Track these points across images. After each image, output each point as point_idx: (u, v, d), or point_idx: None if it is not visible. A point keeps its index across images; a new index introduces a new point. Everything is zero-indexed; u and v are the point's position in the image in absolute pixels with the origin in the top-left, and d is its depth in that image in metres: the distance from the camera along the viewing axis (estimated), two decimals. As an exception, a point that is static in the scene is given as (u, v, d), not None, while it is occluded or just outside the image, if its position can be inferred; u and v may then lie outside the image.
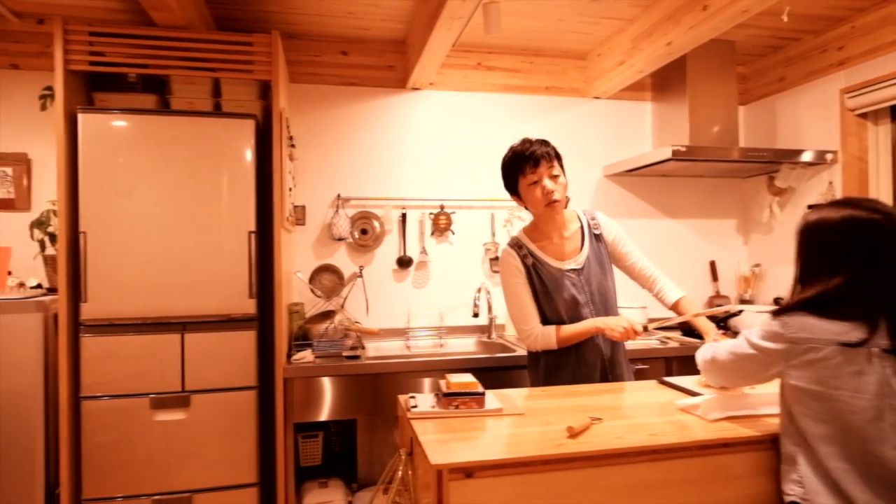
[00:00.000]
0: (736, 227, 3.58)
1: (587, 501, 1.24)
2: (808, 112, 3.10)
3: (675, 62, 2.91)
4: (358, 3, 2.66)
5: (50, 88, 2.48)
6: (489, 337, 3.08)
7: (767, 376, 1.30)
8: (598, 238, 1.98)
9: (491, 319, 3.09)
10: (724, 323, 2.99)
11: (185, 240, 2.33)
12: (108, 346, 2.28)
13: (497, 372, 2.54)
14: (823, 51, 3.00)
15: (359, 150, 3.11)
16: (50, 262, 2.59)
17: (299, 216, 3.02)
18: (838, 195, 2.93)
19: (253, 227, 2.39)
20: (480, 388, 1.54)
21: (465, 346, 3.04)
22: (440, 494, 1.17)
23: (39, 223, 2.60)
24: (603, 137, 3.39)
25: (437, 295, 3.19)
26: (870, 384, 1.13)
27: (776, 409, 1.33)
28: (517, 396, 1.69)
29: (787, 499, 1.23)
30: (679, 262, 3.47)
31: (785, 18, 2.48)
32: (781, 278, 3.30)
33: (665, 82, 3.30)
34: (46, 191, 2.75)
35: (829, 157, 2.94)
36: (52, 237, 2.56)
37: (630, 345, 1.99)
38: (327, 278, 3.00)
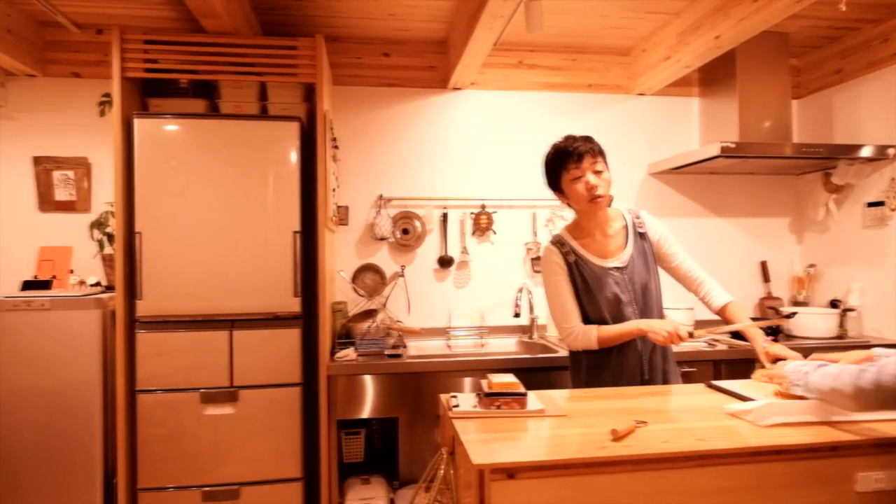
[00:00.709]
0: (789, 225, 3.44)
1: (632, 506, 1.22)
2: (868, 105, 2.96)
3: (723, 56, 2.81)
4: (399, 5, 2.69)
5: (108, 95, 2.60)
6: (530, 337, 3.05)
7: None
8: (642, 237, 1.94)
9: (532, 319, 3.07)
10: (776, 327, 2.88)
11: (233, 239, 2.40)
12: (161, 342, 2.37)
13: (538, 373, 2.52)
14: (885, 40, 2.85)
15: (400, 150, 3.14)
16: (108, 261, 2.72)
17: (342, 216, 3.07)
18: (901, 192, 2.78)
19: (298, 228, 2.45)
20: (522, 389, 1.53)
21: (506, 347, 3.03)
22: (482, 494, 1.17)
23: (98, 224, 2.73)
24: (647, 135, 3.32)
25: (477, 295, 3.19)
26: None
27: (834, 417, 1.27)
28: (559, 398, 1.67)
29: None
30: (728, 263, 3.36)
31: (843, 7, 2.35)
32: (838, 279, 3.16)
33: (713, 77, 3.20)
34: (105, 193, 2.88)
35: (890, 151, 2.79)
36: (110, 237, 2.68)
37: (676, 347, 1.94)
38: (369, 277, 3.04)
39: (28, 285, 2.60)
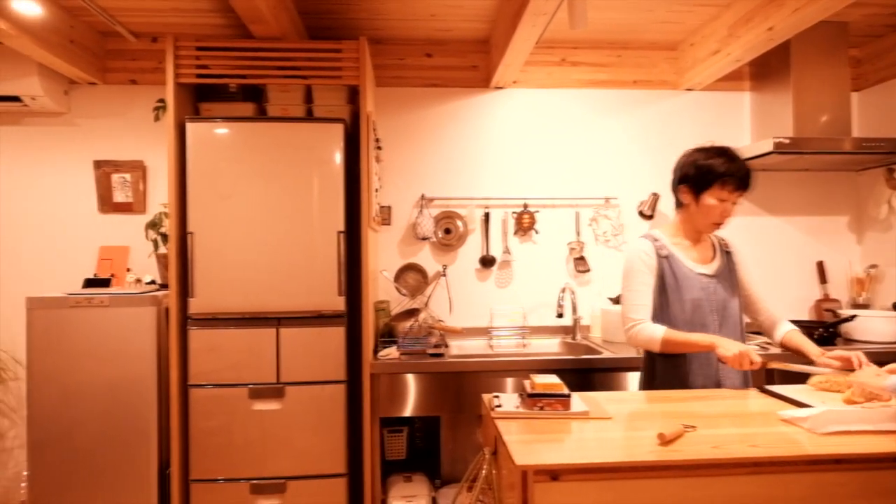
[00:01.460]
0: (848, 224, 3.28)
1: (680, 512, 1.19)
2: (936, 96, 2.80)
3: (777, 48, 2.71)
4: (441, 5, 2.70)
5: (162, 101, 2.71)
6: (574, 338, 3.02)
7: None
8: (728, 255, 1.95)
9: (576, 320, 3.03)
10: (833, 329, 2.75)
11: (280, 239, 2.46)
12: (212, 339, 2.46)
13: (582, 374, 2.49)
14: (955, 27, 2.69)
15: (442, 150, 3.15)
16: (162, 260, 2.83)
17: (385, 216, 3.11)
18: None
19: (342, 228, 2.49)
20: (566, 390, 1.51)
21: (549, 347, 3.00)
22: (525, 495, 1.16)
23: (153, 224, 2.84)
24: (696, 131, 3.22)
25: (520, 294, 3.17)
26: None
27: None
28: (604, 400, 1.64)
29: None
30: (782, 263, 3.23)
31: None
32: (903, 281, 2.99)
33: (766, 70, 3.09)
34: (160, 194, 3.01)
35: (961, 145, 2.63)
36: (164, 237, 2.79)
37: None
38: (412, 277, 3.07)
39: (89, 283, 2.73)
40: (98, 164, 3.01)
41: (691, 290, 1.84)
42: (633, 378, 2.50)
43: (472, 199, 3.14)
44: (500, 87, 3.17)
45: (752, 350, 1.67)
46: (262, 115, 2.66)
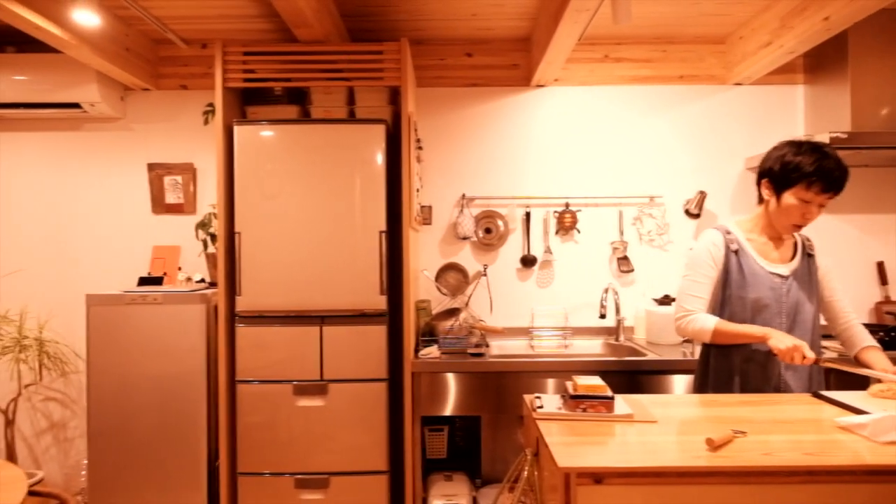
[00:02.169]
0: (911, 222, 3.12)
1: (729, 520, 1.15)
2: None
3: (833, 39, 2.59)
4: (482, 4, 2.69)
5: (211, 105, 2.80)
6: (617, 339, 2.96)
7: None
8: (810, 258, 1.85)
9: (619, 321, 2.97)
10: (894, 333, 2.62)
11: (323, 239, 2.51)
12: (258, 336, 2.52)
13: (626, 376, 2.44)
14: None
15: (483, 149, 3.15)
16: (211, 259, 2.92)
17: (426, 216, 3.13)
18: None
19: (383, 227, 2.51)
20: (609, 392, 1.49)
21: (591, 348, 2.95)
22: (567, 498, 1.15)
23: (202, 224, 2.94)
24: (745, 127, 3.12)
25: (561, 295, 3.13)
26: None
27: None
28: (648, 403, 1.61)
29: None
30: (839, 263, 3.09)
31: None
32: (972, 282, 2.82)
33: (821, 62, 2.96)
34: (209, 195, 3.11)
35: None
36: (213, 237, 2.88)
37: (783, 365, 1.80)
38: (453, 276, 3.07)
39: (143, 281, 2.85)
40: (151, 167, 3.14)
41: (757, 289, 1.76)
42: (680, 381, 2.44)
43: (512, 198, 3.12)
44: (542, 86, 3.14)
45: (806, 346, 1.59)
46: (305, 118, 2.71)
